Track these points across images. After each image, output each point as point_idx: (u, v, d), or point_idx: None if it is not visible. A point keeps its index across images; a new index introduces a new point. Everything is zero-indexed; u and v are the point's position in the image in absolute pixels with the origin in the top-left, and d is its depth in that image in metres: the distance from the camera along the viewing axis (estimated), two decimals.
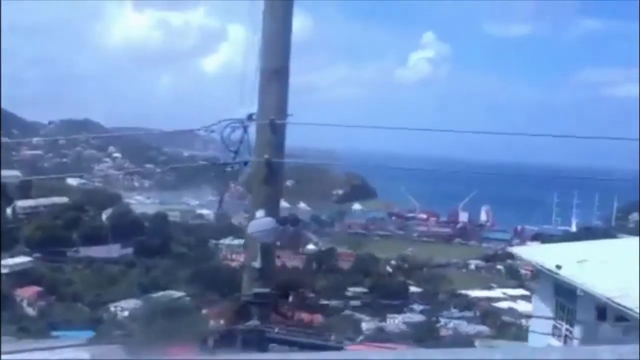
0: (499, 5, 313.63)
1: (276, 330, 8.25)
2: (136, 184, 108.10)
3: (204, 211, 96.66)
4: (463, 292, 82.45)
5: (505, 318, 72.36)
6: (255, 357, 5.86)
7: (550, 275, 18.61)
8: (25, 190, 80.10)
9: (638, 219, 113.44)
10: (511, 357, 3.29)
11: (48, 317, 61.22)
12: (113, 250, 75.27)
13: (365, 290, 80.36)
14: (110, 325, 58.40)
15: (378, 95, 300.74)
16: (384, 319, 74.91)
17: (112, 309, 64.05)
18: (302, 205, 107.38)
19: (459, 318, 74.85)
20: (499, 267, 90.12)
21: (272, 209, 8.67)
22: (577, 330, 18.07)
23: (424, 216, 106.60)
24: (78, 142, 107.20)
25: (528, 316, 31.79)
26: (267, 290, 8.44)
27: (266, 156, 8.35)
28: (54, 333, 51.44)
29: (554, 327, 19.41)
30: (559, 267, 17.96)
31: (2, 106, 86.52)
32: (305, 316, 71.08)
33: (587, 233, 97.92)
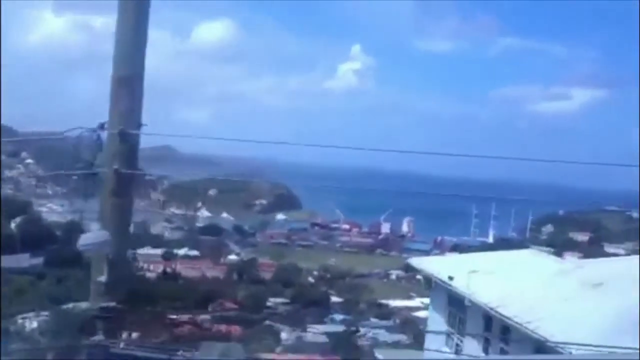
0: (424, 21, 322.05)
1: (122, 345, 7.96)
2: (49, 191, 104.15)
3: None
4: (384, 301, 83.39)
5: (423, 327, 73.58)
6: None
7: (443, 286, 19.00)
8: None
9: (551, 230, 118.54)
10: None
11: None
12: (22, 260, 72.03)
13: (286, 300, 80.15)
14: (18, 338, 55.96)
15: (306, 106, 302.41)
16: (304, 330, 74.81)
17: (20, 321, 61.23)
18: (224, 215, 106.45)
19: (378, 327, 75.59)
20: (419, 277, 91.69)
21: (121, 221, 8.36)
22: (466, 340, 18.50)
23: (347, 227, 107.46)
24: None
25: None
26: (112, 304, 8.09)
27: (115, 167, 8.07)
28: None
29: (447, 336, 19.83)
30: (451, 278, 18.38)
31: None
32: (223, 327, 70.47)
33: (502, 244, 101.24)
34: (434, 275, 19.31)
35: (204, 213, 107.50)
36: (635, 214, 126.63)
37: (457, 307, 18.69)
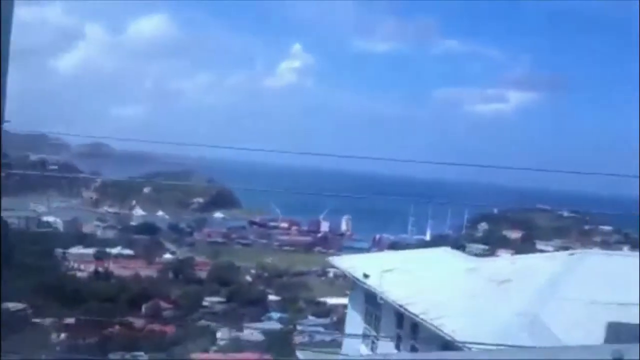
0: (364, 21, 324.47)
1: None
2: None
3: (51, 218, 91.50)
4: (321, 299, 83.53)
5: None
6: None
7: (359, 284, 19.02)
8: None
9: (486, 228, 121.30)
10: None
11: None
12: None
13: (222, 299, 79.51)
14: None
15: (245, 103, 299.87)
16: (240, 329, 74.33)
17: None
18: (160, 213, 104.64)
19: (316, 325, 75.71)
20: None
21: None
22: (381, 337, 18.54)
23: (286, 225, 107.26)
24: None
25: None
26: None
27: None
28: None
29: (364, 334, 19.86)
30: (366, 276, 18.40)
31: None
32: (156, 328, 69.29)
33: (439, 241, 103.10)
34: (350, 274, 19.30)
35: (138, 211, 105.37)
36: (565, 213, 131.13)
37: (373, 305, 18.73)
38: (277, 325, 75.13)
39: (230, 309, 78.54)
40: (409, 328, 16.50)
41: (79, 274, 76.77)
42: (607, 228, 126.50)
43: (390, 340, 17.54)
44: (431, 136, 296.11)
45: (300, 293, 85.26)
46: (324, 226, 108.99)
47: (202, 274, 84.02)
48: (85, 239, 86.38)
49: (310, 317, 78.50)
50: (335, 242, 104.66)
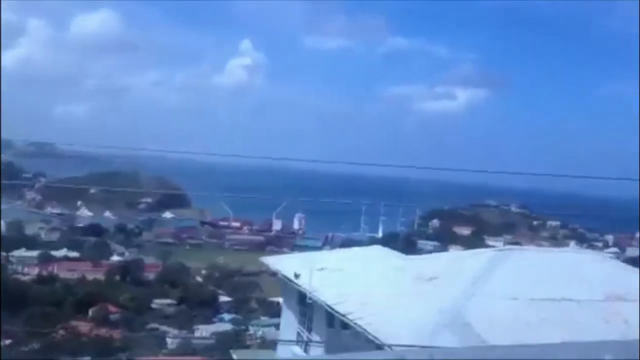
0: (314, 18, 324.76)
1: None
2: None
3: None
4: (274, 299, 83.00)
5: None
6: None
7: (291, 284, 18.78)
8: None
9: (437, 225, 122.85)
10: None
11: None
12: None
13: (172, 301, 78.41)
14: None
15: (193, 100, 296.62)
16: (191, 331, 73.42)
17: None
18: (107, 214, 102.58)
19: (268, 325, 75.29)
20: None
21: None
22: (313, 337, 18.35)
23: (238, 224, 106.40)
24: None
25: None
26: None
27: None
28: None
29: (298, 334, 19.63)
30: (297, 275, 18.16)
31: None
32: (103, 332, 67.78)
33: (391, 238, 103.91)
34: (282, 274, 19.05)
35: (84, 212, 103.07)
36: (513, 209, 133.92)
37: (305, 305, 18.51)
38: (229, 327, 74.49)
39: (180, 311, 77.44)
40: (339, 328, 16.32)
41: (22, 277, 74.61)
42: (554, 223, 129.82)
43: (321, 339, 17.37)
44: (381, 133, 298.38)
45: (252, 293, 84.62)
46: (276, 225, 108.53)
47: (151, 276, 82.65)
48: (28, 242, 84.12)
49: (263, 318, 78.02)
50: (288, 241, 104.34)
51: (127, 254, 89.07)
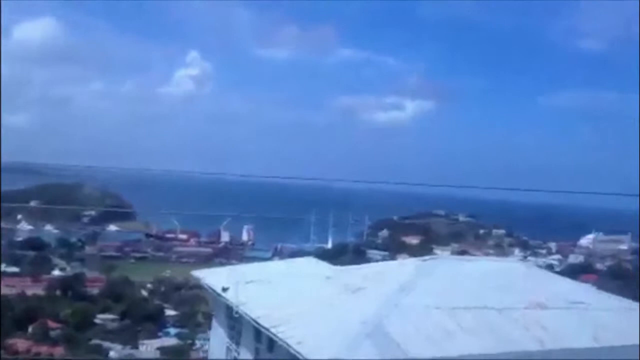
0: (264, 29, 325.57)
1: None
2: None
3: None
4: None
5: None
6: None
7: (219, 298, 18.47)
8: None
9: (386, 235, 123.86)
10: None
11: None
12: None
13: (116, 316, 76.85)
14: None
15: (139, 111, 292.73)
16: (135, 346, 72.05)
17: None
18: (48, 227, 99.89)
19: None
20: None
21: None
22: (242, 352, 18.07)
23: (184, 237, 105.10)
24: None
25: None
26: None
27: None
28: None
29: (227, 349, 19.31)
30: (225, 289, 17.85)
31: None
32: (44, 349, 65.72)
33: (340, 249, 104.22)
34: (210, 287, 18.74)
35: (24, 226, 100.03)
36: (461, 218, 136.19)
37: (234, 319, 18.21)
38: (174, 341, 73.36)
39: (124, 326, 76.01)
40: (266, 342, 16.10)
41: None
42: (500, 232, 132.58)
43: (250, 354, 17.11)
44: (331, 144, 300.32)
45: (199, 307, 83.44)
46: (225, 236, 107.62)
47: (94, 291, 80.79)
48: None
49: (210, 331, 76.92)
50: (236, 253, 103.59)
51: (68, 268, 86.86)
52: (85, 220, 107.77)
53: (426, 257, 17.05)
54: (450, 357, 12.82)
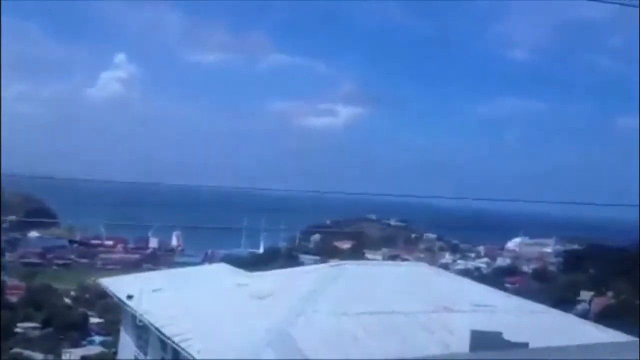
0: (194, 33, 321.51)
1: None
2: None
3: None
4: None
5: None
6: None
7: (124, 306, 17.91)
8: None
9: (318, 239, 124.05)
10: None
11: None
12: None
13: (37, 324, 74.15)
14: None
15: (64, 114, 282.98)
16: (58, 355, 69.74)
17: None
18: None
19: None
20: None
21: None
22: None
23: (111, 243, 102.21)
24: None
25: None
26: None
27: None
28: None
29: (135, 358, 18.73)
30: (129, 296, 17.33)
31: None
32: None
33: (271, 253, 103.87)
34: (115, 295, 18.15)
35: None
36: (392, 223, 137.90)
37: (141, 328, 17.65)
38: (99, 349, 71.30)
39: (47, 335, 73.41)
40: (172, 352, 15.63)
41: None
42: (431, 236, 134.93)
43: None
44: (262, 149, 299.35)
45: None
46: (153, 242, 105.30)
47: (14, 299, 77.75)
48: None
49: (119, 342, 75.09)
50: (165, 259, 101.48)
51: None
52: (5, 226, 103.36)
53: (334, 263, 16.97)
54: None
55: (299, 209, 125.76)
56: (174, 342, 13.85)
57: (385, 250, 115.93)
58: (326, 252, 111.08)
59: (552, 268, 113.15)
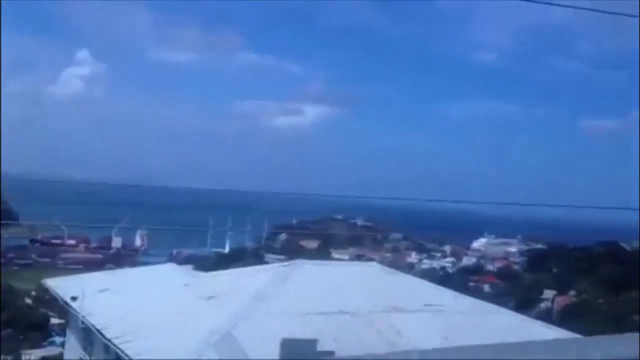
0: (163, 31, 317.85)
1: None
2: None
3: None
4: None
5: None
6: None
7: (67, 307, 17.44)
8: None
9: (284, 239, 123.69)
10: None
11: None
12: None
13: None
14: None
15: (23, 112, 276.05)
16: (18, 356, 68.42)
17: None
18: None
19: None
20: None
21: None
22: None
23: (73, 242, 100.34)
24: None
25: None
26: None
27: None
28: None
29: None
30: (74, 298, 16.88)
31: None
32: None
33: (237, 253, 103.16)
34: (60, 296, 17.66)
35: None
36: (359, 222, 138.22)
37: (85, 330, 17.22)
38: (59, 350, 69.93)
39: (6, 336, 71.85)
40: (114, 354, 15.24)
41: None
42: (397, 236, 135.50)
43: None
44: (231, 148, 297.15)
45: None
46: (116, 242, 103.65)
47: None
48: None
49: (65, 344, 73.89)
50: (129, 258, 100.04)
51: None
52: None
53: (286, 263, 16.76)
54: None
55: (266, 209, 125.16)
56: (113, 344, 13.48)
57: (352, 249, 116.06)
58: (292, 252, 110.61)
59: (516, 267, 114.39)
